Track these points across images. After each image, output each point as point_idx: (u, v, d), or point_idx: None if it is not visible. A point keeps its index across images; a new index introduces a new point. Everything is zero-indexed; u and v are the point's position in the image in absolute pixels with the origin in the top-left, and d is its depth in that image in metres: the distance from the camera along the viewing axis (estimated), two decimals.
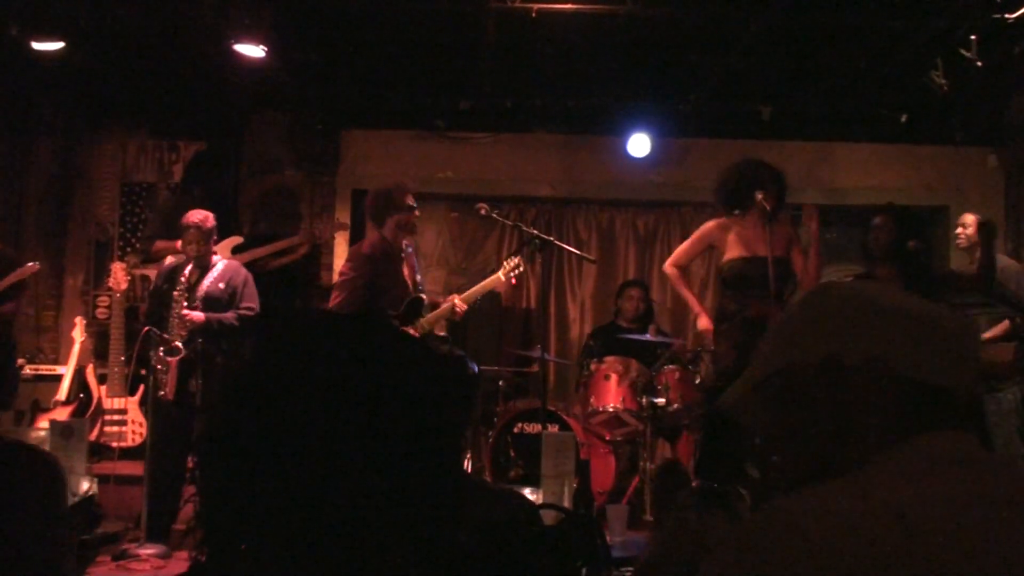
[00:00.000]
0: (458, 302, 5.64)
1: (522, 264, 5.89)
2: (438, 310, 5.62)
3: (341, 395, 1.05)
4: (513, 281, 5.88)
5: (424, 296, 5.66)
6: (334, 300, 5.56)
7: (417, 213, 5.70)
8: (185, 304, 5.45)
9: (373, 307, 5.47)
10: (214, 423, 1.11)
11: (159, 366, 5.38)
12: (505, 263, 5.83)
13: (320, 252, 7.99)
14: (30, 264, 6.41)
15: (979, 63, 5.81)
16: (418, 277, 5.75)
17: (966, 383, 1.35)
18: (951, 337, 1.36)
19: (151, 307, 5.82)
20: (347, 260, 5.80)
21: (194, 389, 5.38)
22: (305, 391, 1.06)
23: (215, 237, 5.75)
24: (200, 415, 5.37)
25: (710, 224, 5.61)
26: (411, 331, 5.38)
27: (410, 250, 5.78)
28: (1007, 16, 5.65)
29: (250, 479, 1.05)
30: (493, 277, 5.90)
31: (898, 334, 1.37)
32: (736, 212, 5.51)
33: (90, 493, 4.77)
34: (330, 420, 1.04)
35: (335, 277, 8.12)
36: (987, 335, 6.09)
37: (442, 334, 5.64)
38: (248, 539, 1.06)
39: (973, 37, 5.83)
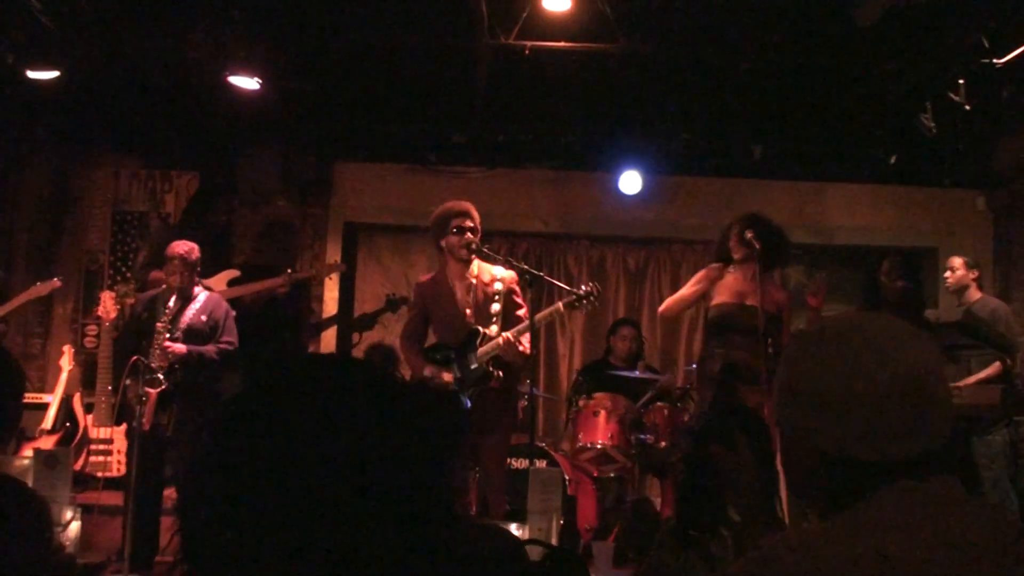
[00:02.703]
0: (504, 336, 5.24)
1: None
2: (488, 345, 5.24)
3: (323, 433, 1.06)
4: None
5: (480, 328, 5.28)
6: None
7: (468, 236, 5.30)
8: (167, 336, 5.44)
9: (429, 336, 5.38)
10: (197, 458, 1.11)
11: (140, 396, 5.32)
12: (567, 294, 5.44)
13: (310, 286, 7.98)
14: (54, 280, 6.72)
15: (967, 106, 5.86)
16: (495, 307, 5.34)
17: (899, 450, 1.34)
18: (882, 410, 1.35)
19: (126, 334, 5.82)
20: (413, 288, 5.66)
21: (165, 421, 5.34)
22: (288, 429, 1.06)
23: (199, 269, 5.76)
24: (173, 447, 5.35)
25: (712, 266, 5.61)
26: (447, 375, 5.23)
27: (473, 280, 5.38)
28: (995, 61, 5.71)
29: (233, 515, 1.04)
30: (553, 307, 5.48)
31: (818, 413, 1.39)
32: (731, 262, 5.50)
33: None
34: (312, 458, 1.04)
35: (325, 311, 8.14)
36: (975, 377, 6.11)
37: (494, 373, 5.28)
38: (231, 574, 1.05)
39: (961, 81, 5.89)
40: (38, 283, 6.68)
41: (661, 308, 5.80)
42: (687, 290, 5.68)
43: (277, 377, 1.13)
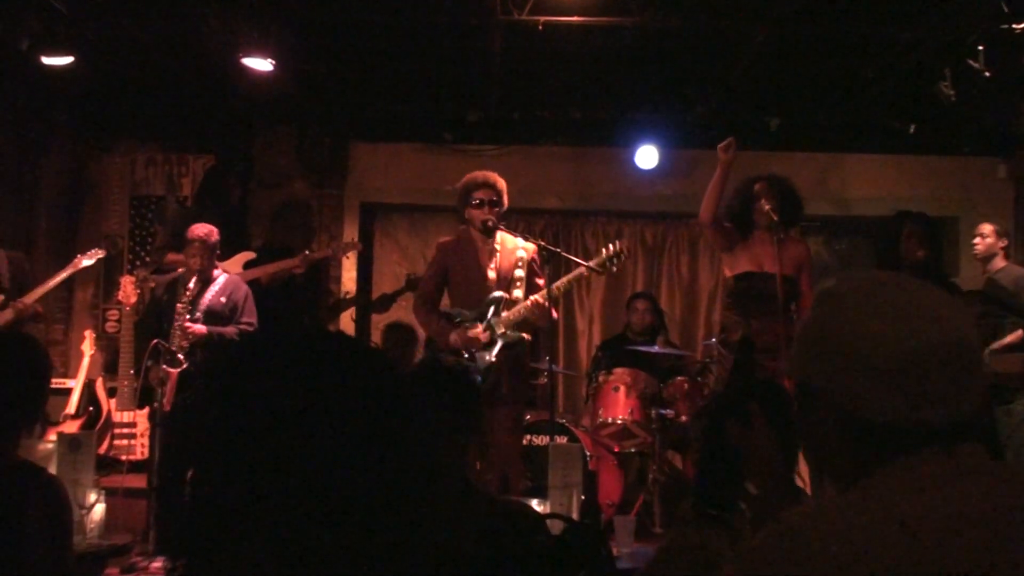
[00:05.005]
0: (534, 299, 5.16)
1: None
2: (515, 309, 5.17)
3: (308, 410, 1.01)
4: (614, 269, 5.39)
5: (505, 294, 5.22)
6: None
7: (487, 211, 5.25)
8: (188, 317, 5.49)
9: (445, 297, 5.38)
10: (177, 433, 1.08)
11: (162, 378, 5.36)
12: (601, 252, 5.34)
13: (327, 267, 7.99)
14: (97, 250, 6.75)
15: (987, 73, 5.79)
16: (518, 272, 5.29)
17: (935, 415, 1.30)
18: (920, 372, 1.30)
19: (147, 317, 5.87)
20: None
21: None
22: (272, 406, 1.02)
23: (218, 251, 5.81)
24: None
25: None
26: (474, 331, 5.14)
27: (496, 247, 5.33)
28: (1014, 27, 5.64)
29: (219, 491, 1.01)
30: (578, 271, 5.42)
31: (851, 374, 1.34)
32: (747, 231, 5.49)
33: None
34: (297, 434, 1.00)
35: (343, 292, 8.15)
36: (998, 344, 6.05)
37: (526, 337, 5.23)
38: (222, 549, 1.01)
39: (980, 48, 5.82)
40: (78, 255, 6.68)
41: (700, 215, 5.63)
42: (710, 189, 5.56)
43: (249, 357, 1.08)
